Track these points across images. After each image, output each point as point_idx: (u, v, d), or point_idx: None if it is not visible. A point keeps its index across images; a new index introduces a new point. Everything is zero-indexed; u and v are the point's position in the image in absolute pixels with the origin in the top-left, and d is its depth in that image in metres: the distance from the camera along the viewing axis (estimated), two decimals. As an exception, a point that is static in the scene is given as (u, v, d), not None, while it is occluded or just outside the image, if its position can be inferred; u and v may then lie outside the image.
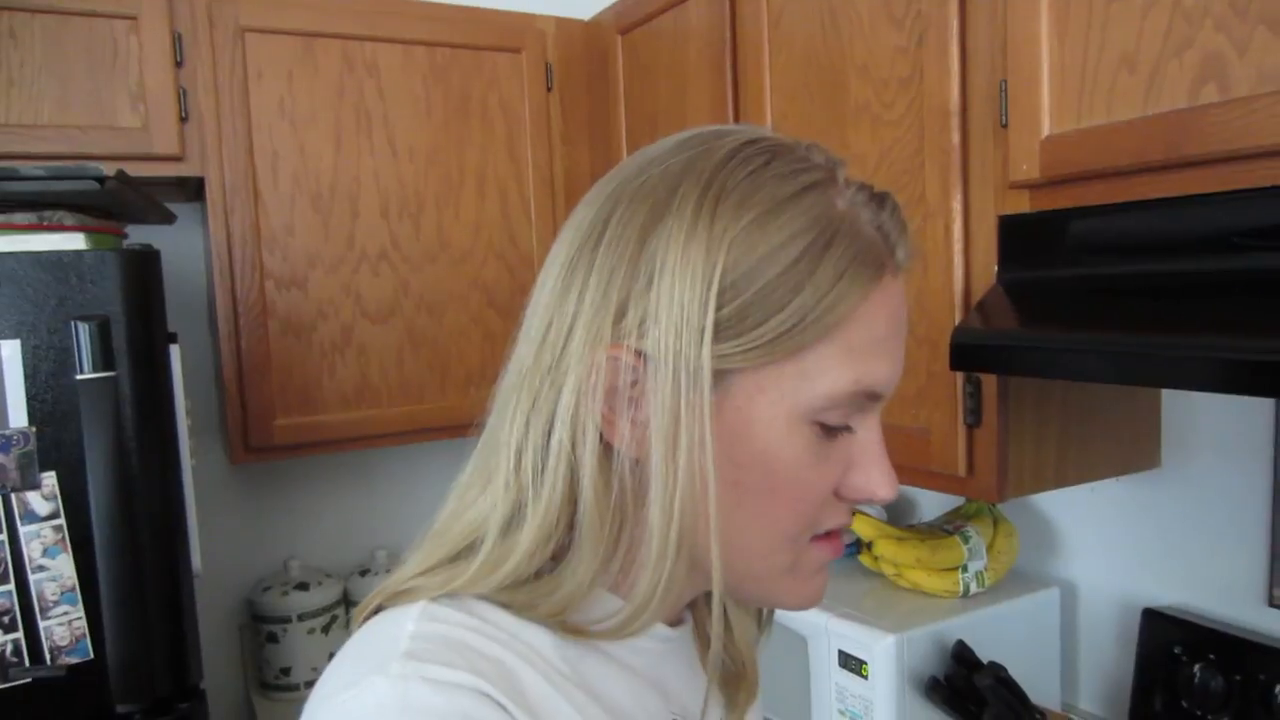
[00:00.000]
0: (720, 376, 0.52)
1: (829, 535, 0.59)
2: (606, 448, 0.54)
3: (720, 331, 0.51)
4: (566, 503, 0.54)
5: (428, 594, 0.55)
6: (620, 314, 0.52)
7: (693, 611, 0.67)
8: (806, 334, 0.52)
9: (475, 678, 0.49)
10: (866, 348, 0.54)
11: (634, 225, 0.53)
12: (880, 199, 0.56)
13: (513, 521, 0.55)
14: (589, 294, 0.53)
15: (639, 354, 0.52)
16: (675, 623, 0.64)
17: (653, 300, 0.52)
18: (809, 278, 0.51)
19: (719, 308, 0.51)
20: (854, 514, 0.62)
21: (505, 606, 0.55)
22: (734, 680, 0.70)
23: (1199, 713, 1.31)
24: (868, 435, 0.57)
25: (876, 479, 0.57)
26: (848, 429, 0.56)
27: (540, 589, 0.55)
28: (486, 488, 0.57)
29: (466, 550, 0.57)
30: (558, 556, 0.55)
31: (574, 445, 0.53)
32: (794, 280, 0.51)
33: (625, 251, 0.53)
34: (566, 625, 0.56)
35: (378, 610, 0.57)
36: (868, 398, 0.55)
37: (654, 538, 0.53)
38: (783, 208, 0.52)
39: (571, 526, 0.55)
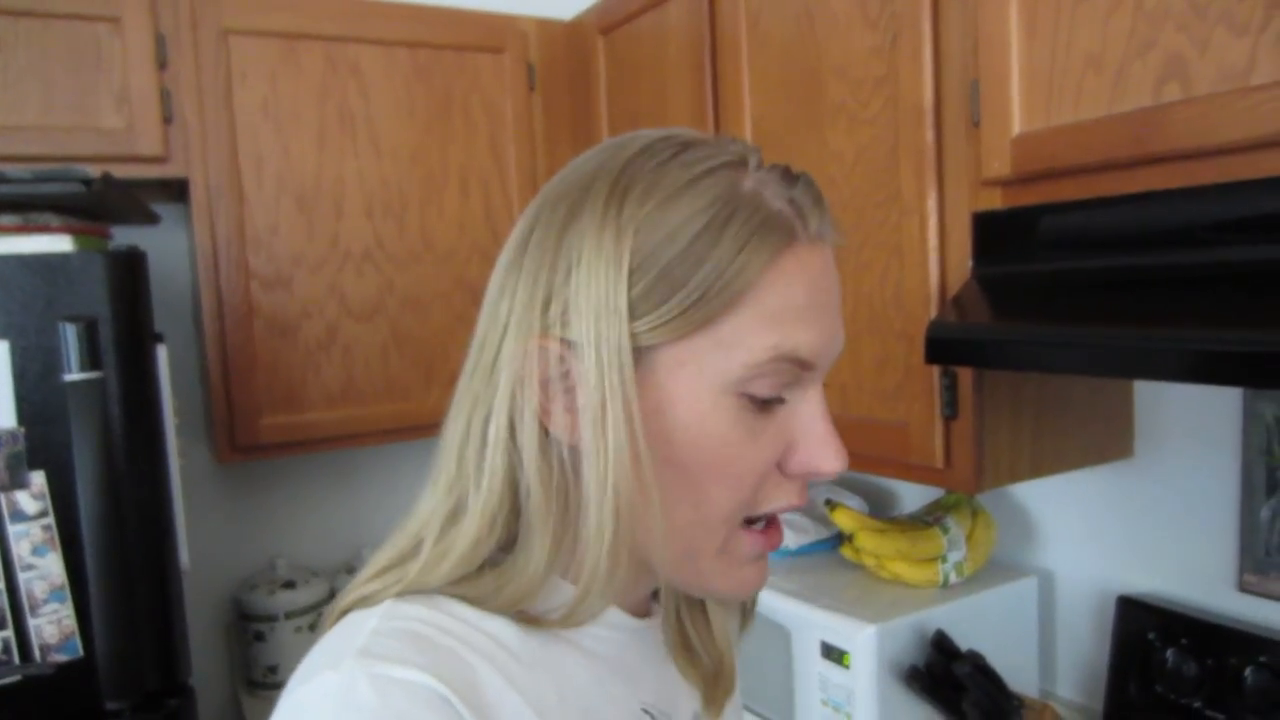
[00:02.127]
0: (641, 354, 0.54)
1: (767, 527, 0.60)
2: (545, 434, 0.56)
3: (634, 310, 0.54)
4: (508, 490, 0.56)
5: (388, 595, 0.57)
6: (545, 307, 0.56)
7: (664, 604, 0.68)
8: (714, 303, 0.53)
9: (424, 674, 0.51)
10: (783, 314, 0.55)
11: (555, 225, 0.57)
12: (792, 178, 0.58)
13: (454, 516, 0.58)
14: (519, 294, 0.57)
15: (565, 342, 0.55)
16: (642, 614, 0.65)
17: (573, 290, 0.55)
18: (711, 250, 0.53)
19: (630, 287, 0.53)
20: (805, 494, 0.60)
21: (466, 600, 0.57)
22: (711, 676, 0.71)
23: (1173, 696, 1.33)
24: (808, 408, 0.58)
25: (819, 453, 0.57)
26: (780, 400, 0.57)
27: (495, 580, 0.57)
28: (432, 490, 0.60)
29: (412, 550, 0.59)
30: (507, 548, 0.58)
31: (513, 435, 0.56)
32: (697, 254, 0.53)
33: (548, 250, 0.56)
34: (525, 615, 0.57)
35: (344, 614, 0.59)
36: (795, 365, 0.56)
37: (591, 516, 0.55)
38: (684, 191, 0.55)
39: (518, 516, 0.57)
